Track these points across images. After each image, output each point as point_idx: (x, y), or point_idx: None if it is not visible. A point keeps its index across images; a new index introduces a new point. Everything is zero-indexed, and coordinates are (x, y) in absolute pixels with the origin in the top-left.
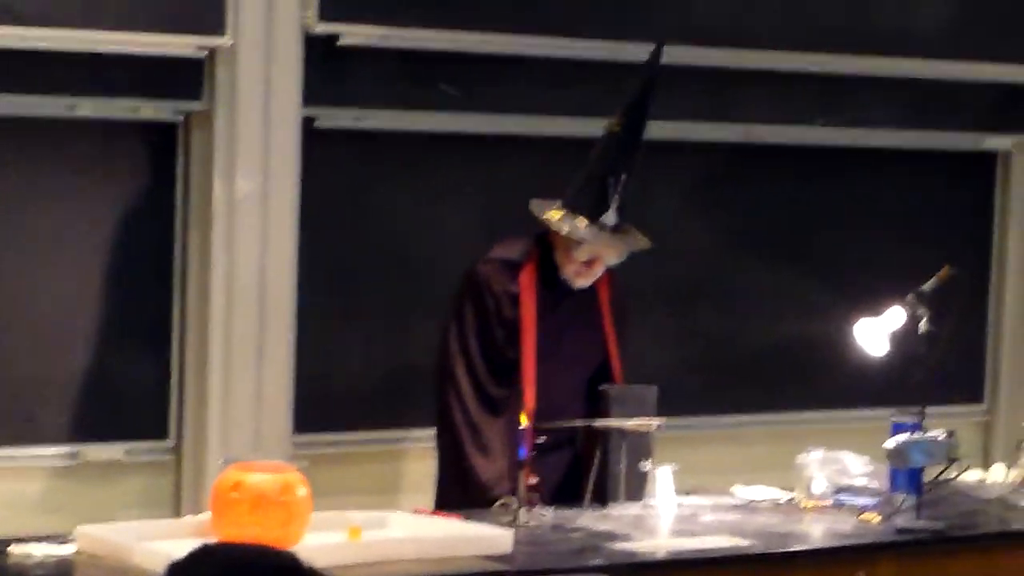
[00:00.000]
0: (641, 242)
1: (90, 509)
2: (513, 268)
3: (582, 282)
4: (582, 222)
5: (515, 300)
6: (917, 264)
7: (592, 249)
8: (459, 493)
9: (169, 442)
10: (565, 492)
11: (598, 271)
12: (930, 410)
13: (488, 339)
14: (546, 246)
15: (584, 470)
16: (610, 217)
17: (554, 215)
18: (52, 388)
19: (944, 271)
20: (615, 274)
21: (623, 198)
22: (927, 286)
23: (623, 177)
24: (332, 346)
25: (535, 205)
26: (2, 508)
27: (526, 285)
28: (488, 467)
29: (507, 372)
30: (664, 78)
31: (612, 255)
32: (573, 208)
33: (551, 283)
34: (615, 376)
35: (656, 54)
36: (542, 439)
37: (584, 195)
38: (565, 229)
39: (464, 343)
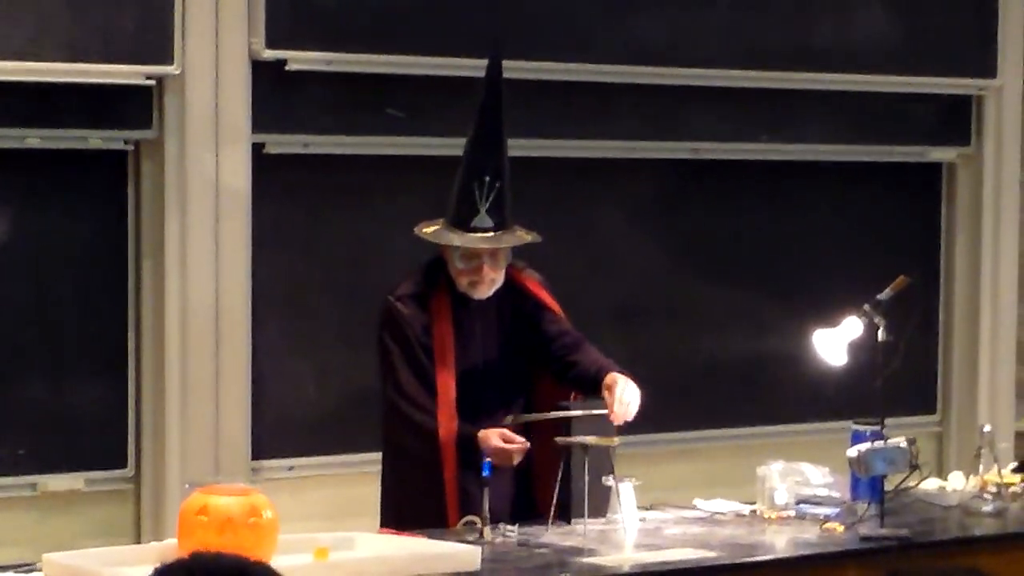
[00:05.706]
0: (523, 238)
1: (50, 539)
2: (423, 298)
3: (479, 292)
4: (455, 230)
5: (428, 328)
6: (865, 277)
7: (466, 251)
8: (406, 461)
9: (128, 471)
10: (516, 511)
11: (493, 277)
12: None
13: (416, 366)
14: (445, 268)
15: (537, 487)
16: (483, 220)
17: (428, 229)
18: (8, 420)
19: (900, 280)
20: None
21: (496, 201)
22: (883, 295)
23: (487, 180)
24: (287, 371)
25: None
26: None
27: (437, 312)
28: (430, 420)
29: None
30: (609, 96)
31: (488, 254)
32: (450, 221)
33: (465, 303)
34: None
35: (495, 59)
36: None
37: (455, 205)
38: (432, 235)
39: (395, 377)
